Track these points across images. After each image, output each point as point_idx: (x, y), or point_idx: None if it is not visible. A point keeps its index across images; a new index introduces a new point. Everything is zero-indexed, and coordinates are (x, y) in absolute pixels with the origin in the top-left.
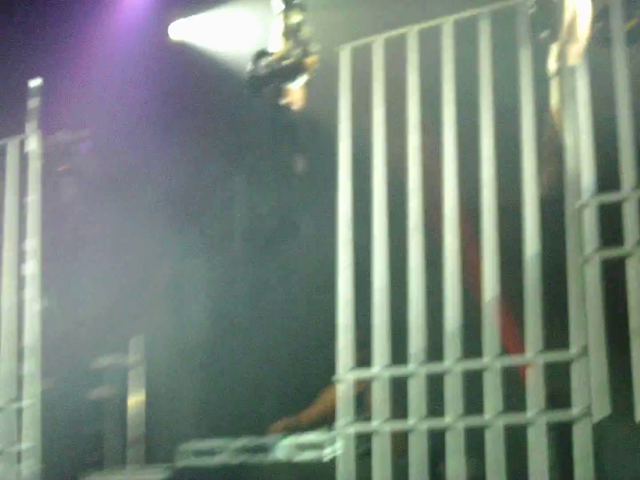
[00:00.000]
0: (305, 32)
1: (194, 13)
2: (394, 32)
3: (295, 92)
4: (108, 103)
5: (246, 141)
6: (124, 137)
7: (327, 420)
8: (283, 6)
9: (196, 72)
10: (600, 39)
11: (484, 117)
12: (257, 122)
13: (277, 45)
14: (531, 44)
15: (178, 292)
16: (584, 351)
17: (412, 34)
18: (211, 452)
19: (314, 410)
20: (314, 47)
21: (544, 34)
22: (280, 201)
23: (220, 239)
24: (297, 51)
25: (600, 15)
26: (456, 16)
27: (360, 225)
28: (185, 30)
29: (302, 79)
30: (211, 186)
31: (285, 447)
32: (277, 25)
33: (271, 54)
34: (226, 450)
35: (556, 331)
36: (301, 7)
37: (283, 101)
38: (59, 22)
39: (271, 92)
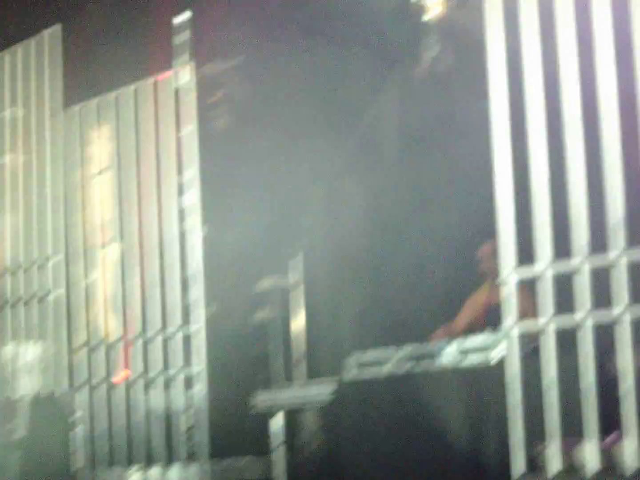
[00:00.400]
0: None
1: None
2: None
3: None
4: (257, 31)
5: (394, 56)
6: (274, 63)
7: (477, 326)
8: None
9: None
10: None
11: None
12: (404, 37)
13: None
14: None
15: (334, 209)
16: None
17: None
18: (375, 363)
19: (463, 317)
20: None
21: None
22: (432, 111)
23: (373, 152)
24: None
25: None
26: None
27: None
28: None
29: None
30: (361, 101)
31: (451, 353)
32: None
33: None
34: (390, 360)
35: None
36: None
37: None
38: None
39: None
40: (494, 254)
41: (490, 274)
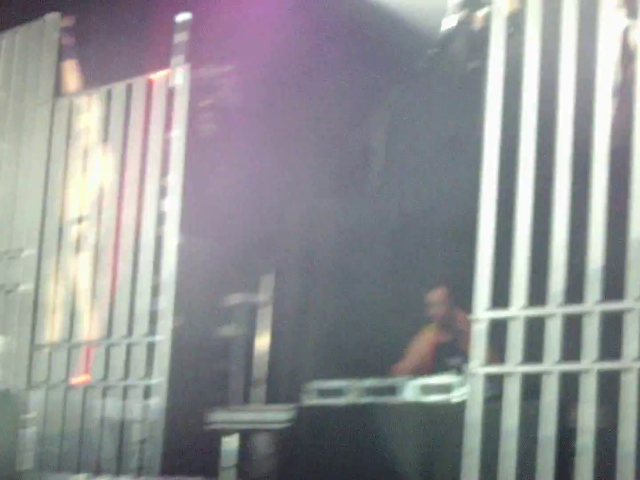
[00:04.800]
0: None
1: None
2: None
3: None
4: (253, 39)
5: (387, 78)
6: (267, 72)
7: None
8: None
9: (342, 7)
10: None
11: None
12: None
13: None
14: None
15: (310, 231)
16: None
17: None
18: (336, 393)
19: (411, 357)
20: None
21: None
22: (417, 140)
23: (355, 177)
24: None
25: None
26: None
27: (504, 169)
28: None
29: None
30: (350, 124)
31: (413, 388)
32: None
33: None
34: (351, 391)
35: None
36: None
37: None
38: None
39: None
40: (443, 299)
41: (438, 317)
